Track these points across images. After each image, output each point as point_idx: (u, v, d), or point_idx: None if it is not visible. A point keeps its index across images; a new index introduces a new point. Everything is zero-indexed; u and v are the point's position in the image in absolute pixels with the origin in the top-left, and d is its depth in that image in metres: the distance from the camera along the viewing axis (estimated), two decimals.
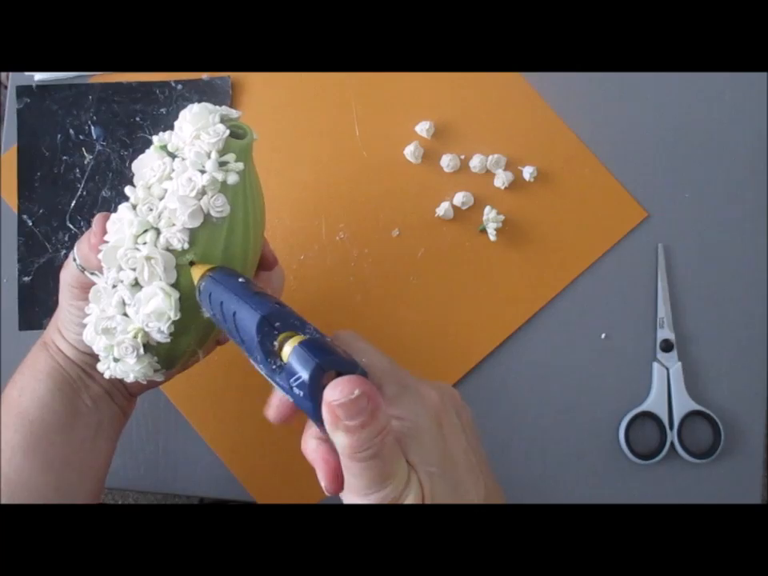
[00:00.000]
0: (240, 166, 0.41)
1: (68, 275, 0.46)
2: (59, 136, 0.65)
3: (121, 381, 0.49)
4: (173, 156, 0.41)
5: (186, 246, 0.39)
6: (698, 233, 0.64)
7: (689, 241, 0.64)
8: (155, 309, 0.39)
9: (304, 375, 0.31)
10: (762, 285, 0.63)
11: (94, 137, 0.65)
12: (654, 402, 0.62)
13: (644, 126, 0.65)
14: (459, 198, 0.63)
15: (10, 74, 0.66)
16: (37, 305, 0.63)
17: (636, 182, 0.64)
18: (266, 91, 0.66)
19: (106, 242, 0.41)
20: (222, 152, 0.41)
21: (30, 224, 0.64)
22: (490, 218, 0.62)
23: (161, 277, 0.39)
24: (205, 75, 0.65)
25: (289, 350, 0.32)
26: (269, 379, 0.34)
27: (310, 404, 0.32)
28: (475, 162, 0.63)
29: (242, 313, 0.35)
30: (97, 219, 0.43)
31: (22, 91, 0.65)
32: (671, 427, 0.62)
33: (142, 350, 0.40)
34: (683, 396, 0.62)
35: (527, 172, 0.63)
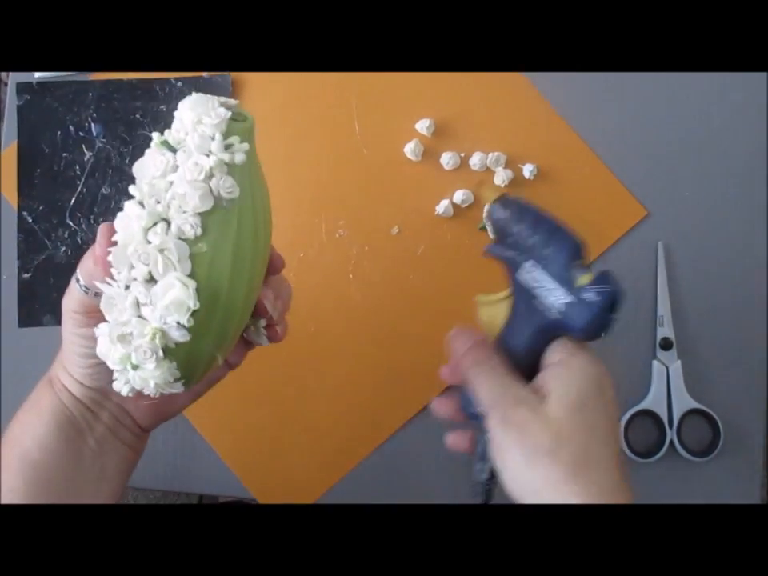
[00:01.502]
0: (245, 146, 0.41)
1: (70, 301, 0.43)
2: (59, 133, 0.65)
3: (129, 416, 0.47)
4: (174, 150, 0.40)
5: (199, 231, 0.39)
6: (698, 231, 0.64)
7: (689, 239, 0.64)
8: (173, 300, 0.38)
9: (601, 294, 0.41)
10: (762, 283, 0.63)
11: (94, 134, 0.65)
12: (654, 400, 0.62)
13: (644, 125, 0.65)
14: (459, 196, 0.63)
15: (10, 73, 0.66)
16: (36, 301, 0.63)
17: (636, 180, 0.64)
18: (267, 89, 0.66)
19: (114, 246, 0.39)
20: (226, 135, 0.40)
21: (30, 221, 0.64)
22: None
23: (176, 267, 0.38)
24: (205, 73, 0.65)
25: (590, 276, 0.42)
26: (545, 296, 0.43)
27: (599, 304, 0.41)
28: (475, 160, 0.63)
29: (562, 233, 0.44)
30: (101, 229, 0.41)
31: (23, 88, 0.65)
32: (670, 425, 0.62)
33: (161, 353, 0.39)
34: (683, 394, 0.62)
35: (527, 170, 0.63)
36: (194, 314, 0.38)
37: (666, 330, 0.63)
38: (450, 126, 0.65)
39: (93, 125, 0.65)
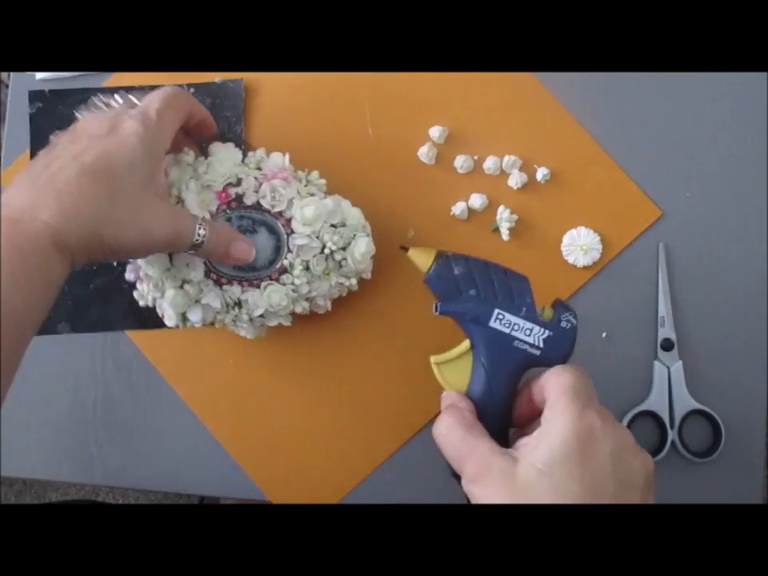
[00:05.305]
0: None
1: None
2: None
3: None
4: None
5: None
6: (698, 232, 0.64)
7: (689, 240, 0.64)
8: None
9: (574, 320, 0.47)
10: (763, 284, 0.63)
11: None
12: (655, 401, 0.62)
13: (645, 126, 0.65)
14: (476, 201, 0.62)
15: (11, 73, 0.66)
16: (51, 309, 0.63)
17: (639, 182, 0.64)
18: (279, 93, 0.66)
19: None
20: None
21: None
22: (504, 218, 0.62)
23: None
24: (218, 78, 0.65)
25: (550, 307, 0.48)
26: (514, 329, 0.47)
27: (568, 340, 0.47)
28: (489, 164, 0.63)
29: (512, 274, 0.48)
30: None
31: (35, 96, 0.65)
32: (672, 426, 0.62)
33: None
34: (684, 395, 0.62)
35: (541, 173, 0.63)
36: None
37: (667, 331, 0.63)
38: (464, 129, 0.65)
39: None
